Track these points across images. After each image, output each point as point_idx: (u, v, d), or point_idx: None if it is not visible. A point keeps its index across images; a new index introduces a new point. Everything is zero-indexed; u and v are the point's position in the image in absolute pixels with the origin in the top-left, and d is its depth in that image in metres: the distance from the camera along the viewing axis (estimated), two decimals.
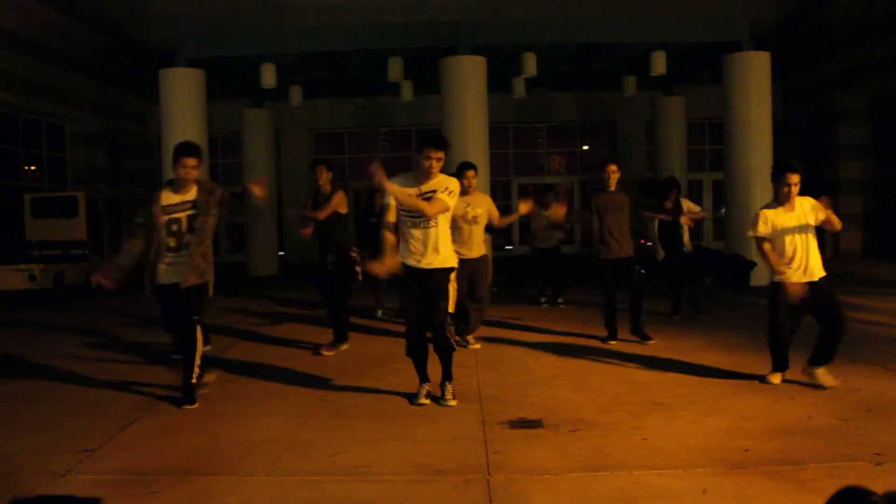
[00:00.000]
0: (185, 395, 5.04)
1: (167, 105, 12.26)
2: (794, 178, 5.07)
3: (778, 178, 5.14)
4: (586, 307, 9.20)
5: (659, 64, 12.90)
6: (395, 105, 17.95)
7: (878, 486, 1.45)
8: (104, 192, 15.98)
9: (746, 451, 3.89)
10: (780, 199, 5.17)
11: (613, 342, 7.01)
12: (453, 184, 4.94)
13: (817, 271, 5.16)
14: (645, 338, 7.01)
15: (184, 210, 5.04)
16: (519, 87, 14.84)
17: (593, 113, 20.01)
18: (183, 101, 12.19)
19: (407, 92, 15.30)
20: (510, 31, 13.07)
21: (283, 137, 19.43)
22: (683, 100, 16.74)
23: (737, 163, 12.27)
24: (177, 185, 5.10)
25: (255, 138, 16.38)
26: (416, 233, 4.87)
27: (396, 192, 4.78)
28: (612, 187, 7.01)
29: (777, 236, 5.16)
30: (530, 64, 12.94)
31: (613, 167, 7.00)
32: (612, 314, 7.08)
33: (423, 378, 5.13)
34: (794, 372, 5.50)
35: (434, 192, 4.83)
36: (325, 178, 6.82)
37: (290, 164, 19.57)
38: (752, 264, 11.61)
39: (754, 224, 5.22)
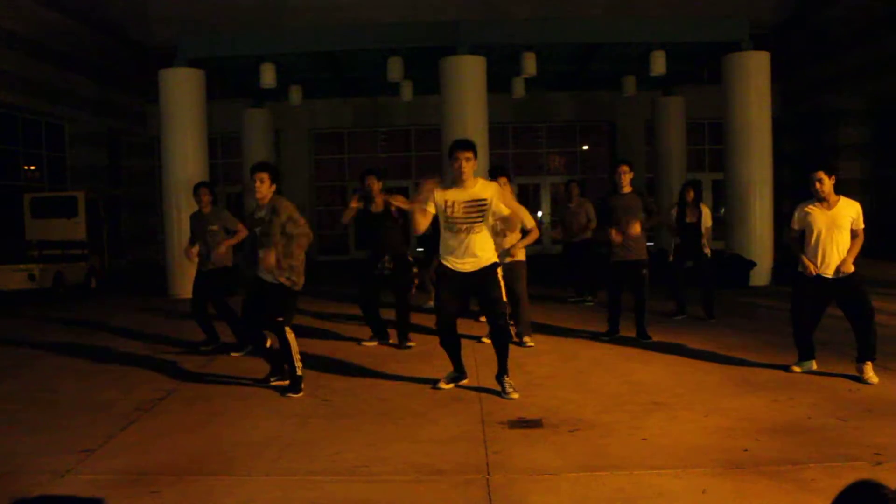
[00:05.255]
0: (293, 384, 5.36)
1: (167, 105, 12.25)
2: (818, 175, 5.30)
3: (807, 175, 5.42)
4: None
5: (659, 64, 12.90)
6: (394, 105, 17.95)
7: None
8: (101, 193, 15.99)
9: (746, 451, 3.88)
10: (814, 195, 5.38)
11: (607, 339, 7.14)
12: (493, 188, 5.12)
13: (840, 269, 5.30)
14: (646, 338, 7.08)
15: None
16: (519, 87, 14.84)
17: (593, 113, 20.01)
18: (183, 101, 12.18)
19: (407, 92, 15.30)
20: (510, 31, 13.06)
21: (283, 137, 19.42)
22: (683, 100, 16.73)
23: (737, 163, 12.26)
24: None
25: (255, 138, 16.38)
26: (459, 237, 5.01)
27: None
28: (626, 189, 7.04)
29: (806, 230, 5.40)
30: (530, 64, 12.94)
31: (626, 168, 7.05)
32: (616, 313, 7.21)
33: (457, 367, 5.41)
34: (794, 371, 5.50)
35: (484, 200, 4.96)
36: (376, 187, 6.99)
37: (290, 164, 19.56)
38: (752, 264, 11.62)
39: (792, 216, 5.53)
